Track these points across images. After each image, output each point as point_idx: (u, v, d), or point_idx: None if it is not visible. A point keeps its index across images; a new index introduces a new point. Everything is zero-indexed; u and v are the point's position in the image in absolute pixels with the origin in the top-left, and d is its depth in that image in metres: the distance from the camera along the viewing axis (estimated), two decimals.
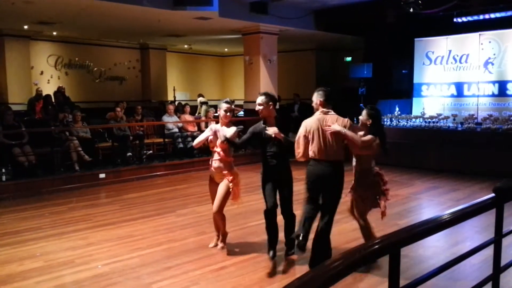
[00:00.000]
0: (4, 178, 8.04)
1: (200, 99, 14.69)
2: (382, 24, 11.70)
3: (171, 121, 11.12)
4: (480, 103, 10.77)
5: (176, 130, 11.18)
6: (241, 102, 13.72)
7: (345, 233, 5.38)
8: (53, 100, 12.25)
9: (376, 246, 1.90)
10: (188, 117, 11.78)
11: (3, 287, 4.24)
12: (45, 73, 14.11)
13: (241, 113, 13.44)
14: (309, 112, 4.65)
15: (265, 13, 10.86)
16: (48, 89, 13.29)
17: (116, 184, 9.02)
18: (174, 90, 16.19)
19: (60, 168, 8.92)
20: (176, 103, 13.93)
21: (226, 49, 18.21)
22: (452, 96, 11.30)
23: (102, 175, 9.07)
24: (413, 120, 11.02)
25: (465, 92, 11.06)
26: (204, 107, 13.39)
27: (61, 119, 9.82)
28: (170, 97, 16.15)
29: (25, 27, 11.94)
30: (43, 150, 8.96)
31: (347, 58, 15.21)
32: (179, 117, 11.58)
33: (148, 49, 16.27)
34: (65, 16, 10.35)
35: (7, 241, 5.58)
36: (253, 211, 5.24)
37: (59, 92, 12.84)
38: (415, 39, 11.81)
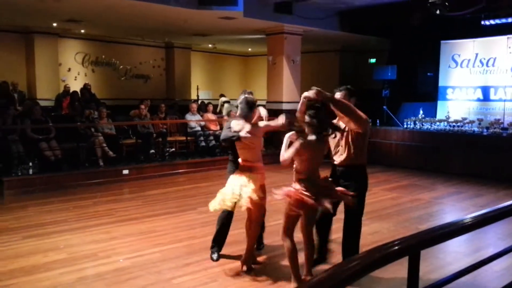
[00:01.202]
0: (31, 171, 8.25)
1: (222, 99, 14.73)
2: (407, 26, 11.54)
3: (193, 120, 11.23)
4: (506, 107, 10.55)
5: (199, 128, 11.28)
6: (264, 103, 13.73)
7: (363, 236, 5.34)
8: (79, 96, 12.51)
9: (396, 247, 1.90)
10: (210, 116, 11.86)
11: (28, 278, 4.36)
12: (72, 70, 14.39)
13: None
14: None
15: (289, 13, 10.85)
16: (75, 85, 13.56)
17: (139, 181, 9.16)
18: (197, 89, 16.30)
19: (85, 163, 9.11)
20: (199, 101, 14.02)
21: (249, 49, 18.26)
22: (478, 100, 11.10)
23: (125, 171, 9.21)
24: (438, 123, 10.87)
25: (492, 96, 10.85)
26: (226, 105, 13.41)
27: (87, 115, 10.00)
28: (194, 96, 16.29)
29: (54, 24, 12.22)
30: (69, 145, 9.16)
31: (371, 59, 15.06)
32: (202, 116, 11.67)
33: (173, 48, 16.43)
34: (92, 14, 10.55)
35: (32, 233, 5.73)
36: (273, 211, 5.26)
37: (85, 89, 13.09)
38: (441, 41, 11.63)
